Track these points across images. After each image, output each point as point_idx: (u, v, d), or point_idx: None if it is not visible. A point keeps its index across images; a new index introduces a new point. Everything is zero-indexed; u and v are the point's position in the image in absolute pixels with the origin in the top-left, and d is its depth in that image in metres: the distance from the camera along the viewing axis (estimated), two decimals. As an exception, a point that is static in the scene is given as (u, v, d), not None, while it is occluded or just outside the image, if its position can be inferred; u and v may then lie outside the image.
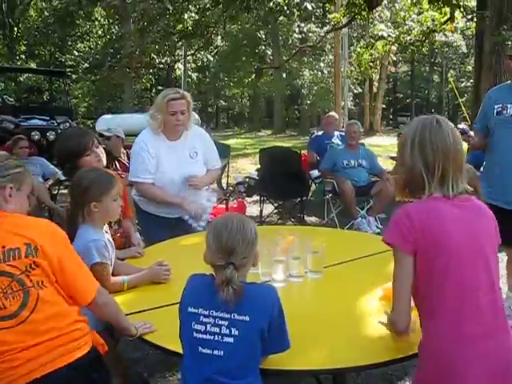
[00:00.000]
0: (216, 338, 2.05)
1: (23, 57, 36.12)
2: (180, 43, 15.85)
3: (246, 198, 9.71)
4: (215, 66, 38.26)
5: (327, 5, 15.25)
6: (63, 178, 5.65)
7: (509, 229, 4.60)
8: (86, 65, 35.30)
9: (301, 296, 3.06)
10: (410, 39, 14.73)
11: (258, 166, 9.42)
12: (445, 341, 2.04)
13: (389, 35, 15.09)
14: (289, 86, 36.11)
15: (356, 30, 31.85)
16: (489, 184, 4.11)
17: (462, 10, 12.88)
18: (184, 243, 3.93)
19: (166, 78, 38.96)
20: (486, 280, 2.10)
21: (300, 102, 38.02)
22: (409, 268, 2.07)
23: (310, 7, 13.39)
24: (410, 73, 51.98)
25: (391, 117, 53.39)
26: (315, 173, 8.40)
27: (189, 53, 24.74)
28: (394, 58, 28.50)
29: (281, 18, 26.26)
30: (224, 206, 7.65)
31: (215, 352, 2.04)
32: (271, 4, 12.89)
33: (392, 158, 12.57)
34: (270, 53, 36.39)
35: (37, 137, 12.46)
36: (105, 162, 3.97)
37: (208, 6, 13.37)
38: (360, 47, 17.28)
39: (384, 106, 42.80)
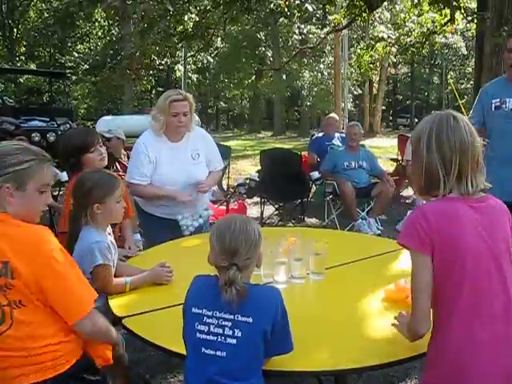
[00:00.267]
0: (219, 339, 2.05)
1: (23, 58, 36.13)
2: (180, 45, 15.83)
3: (247, 200, 9.70)
4: (215, 67, 38.30)
5: (327, 6, 15.24)
6: (64, 179, 5.65)
7: None
8: (86, 66, 35.33)
9: (303, 297, 3.06)
10: (410, 41, 14.73)
11: (259, 168, 9.42)
12: (458, 344, 2.02)
13: (389, 37, 15.09)
14: (289, 88, 36.12)
15: (356, 32, 31.88)
16: (488, 179, 4.10)
17: (462, 11, 12.87)
18: (186, 244, 3.93)
19: (165, 79, 39.01)
20: (499, 286, 2.07)
21: (300, 104, 38.04)
22: (428, 270, 2.02)
23: (310, 8, 13.41)
24: (409, 74, 51.99)
25: (391, 118, 53.47)
26: (315, 174, 8.40)
27: (189, 54, 24.74)
28: (394, 60, 28.51)
29: (281, 19, 26.32)
30: (224, 208, 7.63)
31: (218, 353, 2.04)
32: (272, 5, 12.88)
33: (392, 159, 12.59)
34: (270, 54, 36.41)
35: (37, 138, 12.48)
36: (106, 162, 3.99)
37: (208, 7, 13.39)
38: (360, 49, 17.29)
39: (384, 107, 42.87)
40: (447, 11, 12.78)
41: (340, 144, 8.90)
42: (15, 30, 35.72)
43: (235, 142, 24.02)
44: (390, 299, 2.74)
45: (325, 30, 21.95)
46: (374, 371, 3.59)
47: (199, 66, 37.06)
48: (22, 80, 33.13)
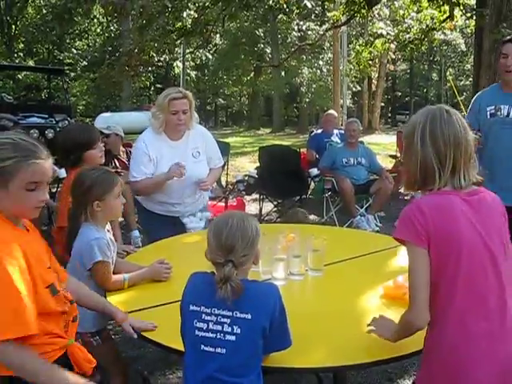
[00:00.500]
0: (218, 336, 2.05)
1: (21, 54, 36.08)
2: (179, 41, 15.82)
3: (246, 197, 9.71)
4: (214, 64, 38.23)
5: (326, 3, 15.22)
6: (62, 175, 5.66)
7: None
8: (85, 63, 35.32)
9: (301, 294, 3.07)
10: (409, 37, 14.71)
11: (258, 165, 9.43)
12: (454, 339, 2.03)
13: (388, 33, 15.07)
14: (287, 85, 36.06)
15: (355, 28, 31.84)
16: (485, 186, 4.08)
17: (461, 8, 12.86)
18: (185, 241, 3.93)
19: (164, 76, 38.97)
20: (494, 280, 2.07)
21: (299, 101, 37.98)
22: (425, 263, 2.01)
23: (309, 5, 13.37)
24: (408, 71, 51.98)
25: (390, 115, 53.40)
26: (314, 171, 8.41)
27: (188, 51, 24.73)
28: (393, 57, 28.51)
29: (280, 16, 26.29)
30: (223, 204, 7.64)
31: (218, 350, 2.04)
32: (270, 2, 12.87)
33: (391, 156, 12.59)
34: (268, 51, 36.33)
35: (35, 135, 12.42)
36: (103, 160, 4.00)
37: (207, 4, 13.37)
38: (359, 45, 17.26)
39: (383, 104, 42.85)
40: (446, 8, 12.76)
41: (339, 141, 8.92)
42: (13, 26, 35.68)
43: (234, 139, 24.00)
44: (389, 296, 2.75)
45: (324, 26, 21.88)
46: (373, 367, 3.61)
47: (198, 62, 37.02)
48: (20, 76, 33.11)
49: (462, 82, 45.08)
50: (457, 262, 2.02)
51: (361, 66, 16.97)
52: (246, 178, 9.32)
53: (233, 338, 2.03)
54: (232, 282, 2.01)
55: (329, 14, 16.50)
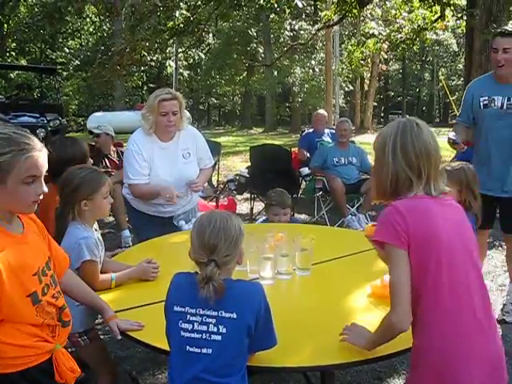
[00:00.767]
0: (204, 337, 2.04)
1: (13, 54, 35.95)
2: (171, 41, 15.80)
3: (237, 196, 9.71)
4: (207, 63, 38.17)
5: (318, 2, 15.25)
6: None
7: (509, 216, 4.69)
8: (77, 62, 35.22)
9: (289, 293, 3.07)
10: (401, 37, 14.76)
11: (249, 164, 9.42)
12: (442, 340, 2.03)
13: (380, 33, 15.11)
14: (280, 84, 36.09)
15: (347, 28, 31.90)
16: (480, 176, 4.12)
17: (452, 8, 12.92)
18: (173, 241, 3.92)
19: (157, 75, 38.91)
20: (475, 276, 2.12)
21: (291, 100, 37.98)
22: (407, 264, 2.03)
23: (300, 4, 13.38)
24: (401, 71, 52.07)
25: (383, 114, 53.49)
26: (305, 170, 8.40)
27: (180, 50, 24.70)
28: (386, 56, 28.56)
29: (272, 15, 26.28)
30: (214, 204, 7.64)
31: (204, 350, 2.04)
32: (261, 1, 12.87)
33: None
34: (261, 50, 36.32)
35: (26, 134, 12.40)
36: None
37: (199, 3, 13.37)
38: (351, 45, 17.30)
39: (375, 103, 42.87)
40: (437, 8, 12.84)
41: (330, 140, 8.92)
42: (5, 25, 35.52)
43: (226, 138, 23.97)
44: (376, 295, 2.76)
45: (316, 26, 21.92)
46: (361, 366, 3.62)
47: (191, 62, 37.00)
48: (12, 76, 33.00)
49: (454, 82, 45.28)
50: (438, 263, 2.04)
51: (353, 66, 17.03)
52: (237, 177, 9.31)
53: (219, 337, 2.03)
54: (214, 281, 2.01)
55: (321, 14, 16.51)
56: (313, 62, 34.06)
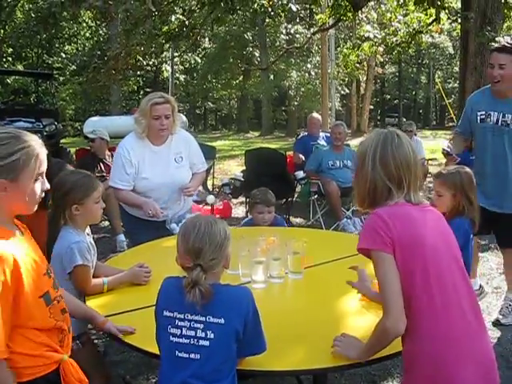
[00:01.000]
0: (192, 342, 2.04)
1: (10, 59, 35.92)
2: (167, 45, 15.80)
3: (232, 200, 9.71)
4: (203, 67, 38.20)
5: (313, 6, 15.27)
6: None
7: (505, 232, 4.67)
8: (74, 67, 35.19)
9: (281, 297, 3.07)
10: (397, 40, 14.78)
11: (244, 168, 9.43)
12: (435, 344, 2.03)
13: (375, 36, 15.13)
14: (276, 88, 36.11)
15: (343, 32, 31.96)
16: (480, 190, 4.09)
17: (446, 11, 12.94)
18: (165, 245, 3.91)
19: (153, 80, 38.90)
20: (461, 279, 2.13)
21: (287, 104, 38.02)
22: (395, 268, 2.03)
23: (294, 8, 13.38)
24: (397, 74, 52.12)
25: (379, 118, 53.57)
26: (300, 174, 8.42)
27: (176, 54, 24.70)
28: (381, 59, 28.59)
29: (267, 19, 26.32)
30: (209, 208, 7.63)
31: (192, 356, 2.03)
32: (255, 5, 12.87)
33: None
34: (257, 54, 36.40)
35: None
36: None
37: (193, 7, 13.37)
38: (346, 48, 17.32)
39: (372, 106, 42.93)
40: (432, 11, 12.85)
41: (325, 143, 8.93)
42: (2, 30, 35.50)
43: (222, 142, 24.01)
44: (368, 298, 2.76)
45: (312, 29, 21.95)
46: (355, 370, 3.62)
47: (187, 66, 37.00)
48: (9, 81, 32.96)
49: (451, 85, 45.34)
50: (424, 267, 2.05)
51: (348, 69, 17.04)
52: (232, 181, 9.32)
53: (206, 343, 2.03)
54: (200, 286, 2.01)
55: (316, 17, 16.53)
56: (309, 66, 34.12)
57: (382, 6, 16.97)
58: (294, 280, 3.10)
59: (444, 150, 4.70)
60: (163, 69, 30.10)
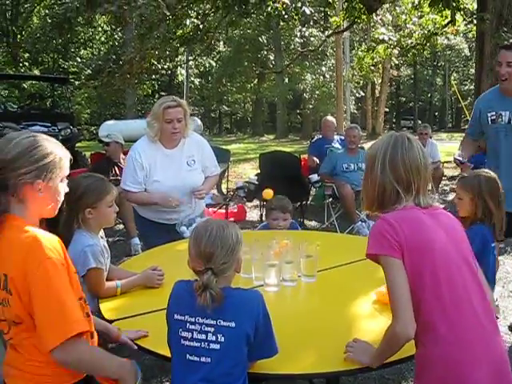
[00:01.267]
0: (203, 345, 2.04)
1: (27, 64, 36.21)
2: (182, 49, 15.87)
3: (247, 203, 9.71)
4: (218, 71, 38.29)
5: (327, 9, 15.26)
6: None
7: None
8: (89, 71, 35.39)
9: (294, 300, 3.06)
10: (411, 42, 14.73)
11: (259, 171, 9.42)
12: (447, 347, 2.02)
13: (390, 39, 15.09)
14: (291, 91, 36.11)
15: (358, 34, 31.88)
16: None
17: (462, 12, 12.88)
18: (178, 248, 3.91)
19: (168, 83, 39.05)
20: (474, 285, 2.11)
21: (302, 107, 38.01)
22: (404, 273, 2.02)
23: (308, 11, 13.39)
24: (412, 76, 51.88)
25: (394, 120, 53.35)
26: (315, 177, 8.39)
27: (191, 58, 24.78)
28: (396, 62, 28.50)
29: (281, 23, 26.31)
30: (224, 211, 7.65)
31: (202, 359, 2.03)
32: (269, 9, 12.89)
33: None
34: (272, 58, 36.40)
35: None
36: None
37: (208, 11, 13.41)
38: (361, 51, 17.29)
39: (387, 109, 42.76)
40: (447, 12, 12.79)
41: (339, 146, 8.91)
42: (19, 36, 35.82)
43: (237, 146, 24.02)
44: (381, 301, 2.74)
45: (326, 32, 21.94)
46: (369, 373, 3.59)
47: (201, 69, 37.10)
48: (25, 86, 33.23)
49: (467, 87, 45.12)
50: (433, 270, 2.04)
51: (363, 72, 17.00)
52: (247, 184, 9.32)
53: (217, 346, 2.02)
54: (211, 289, 2.00)
55: (330, 20, 16.52)
56: (323, 69, 34.06)
57: (396, 8, 16.93)
58: (307, 283, 3.09)
59: (456, 159, 4.66)
60: (178, 72, 30.27)
